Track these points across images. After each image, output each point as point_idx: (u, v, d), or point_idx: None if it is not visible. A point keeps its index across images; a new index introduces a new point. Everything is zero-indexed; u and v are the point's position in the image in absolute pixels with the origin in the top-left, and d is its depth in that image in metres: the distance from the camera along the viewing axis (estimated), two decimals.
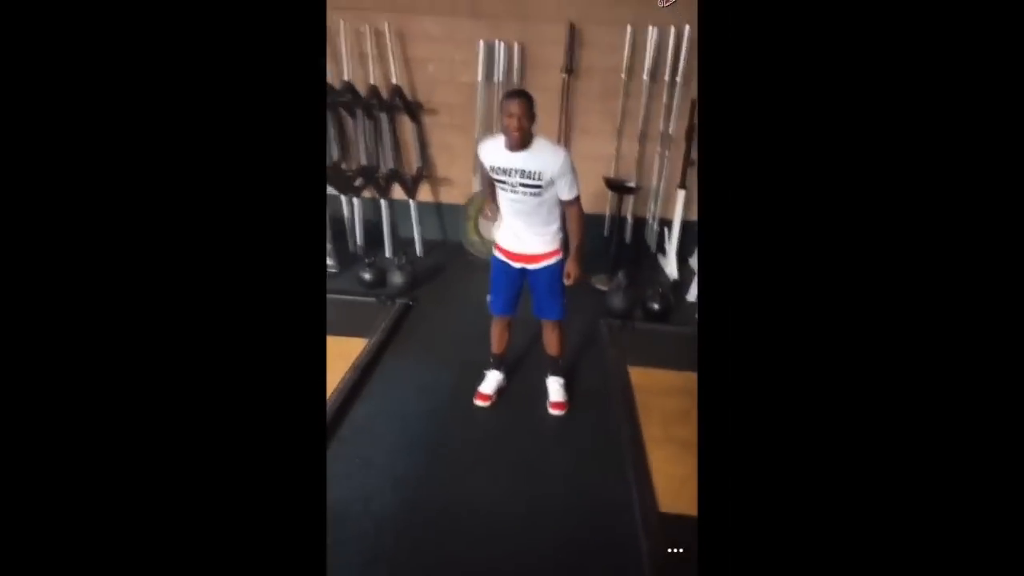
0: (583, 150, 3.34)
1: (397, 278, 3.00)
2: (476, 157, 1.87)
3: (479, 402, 2.11)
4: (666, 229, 3.37)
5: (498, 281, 2.00)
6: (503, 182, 1.76)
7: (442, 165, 3.61)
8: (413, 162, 3.56)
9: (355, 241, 3.55)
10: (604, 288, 3.07)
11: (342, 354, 2.31)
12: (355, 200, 3.44)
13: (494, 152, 1.74)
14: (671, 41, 3.14)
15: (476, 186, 3.44)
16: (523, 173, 1.70)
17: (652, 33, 3.12)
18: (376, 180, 3.41)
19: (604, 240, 3.49)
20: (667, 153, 3.38)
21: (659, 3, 2.78)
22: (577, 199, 1.80)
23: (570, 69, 3.25)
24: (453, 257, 3.31)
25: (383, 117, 3.39)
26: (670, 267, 3.30)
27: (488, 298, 2.08)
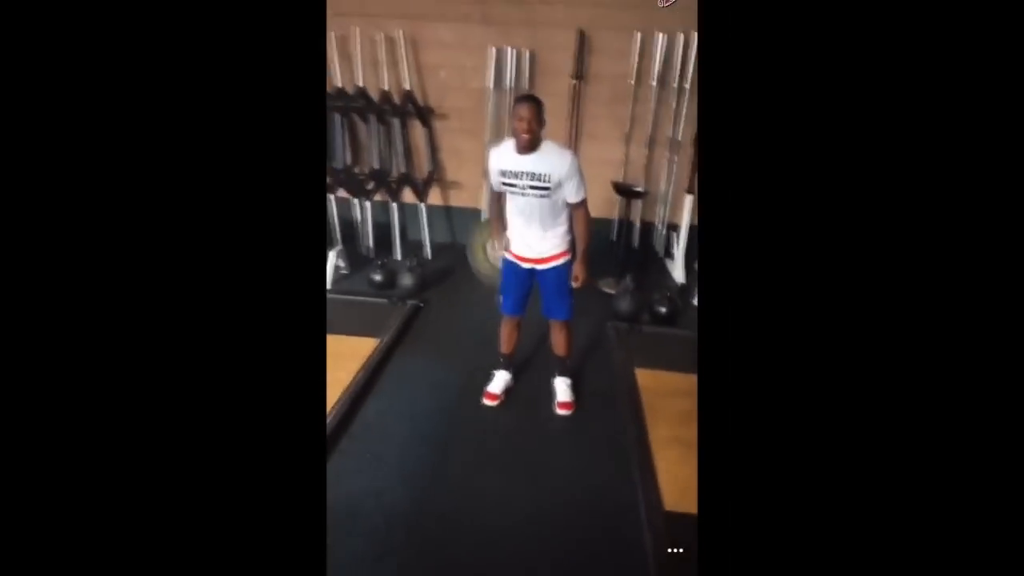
0: (592, 155, 3.36)
1: (407, 280, 3.05)
2: (486, 164, 1.90)
3: (487, 401, 2.14)
4: (674, 234, 3.39)
5: (508, 281, 2.04)
6: (513, 185, 1.80)
7: (452, 169, 3.66)
8: (424, 166, 3.61)
9: (366, 243, 3.60)
10: (612, 291, 3.10)
11: (354, 353, 2.35)
12: (366, 203, 3.50)
13: (504, 156, 1.78)
14: (679, 47, 3.16)
15: (485, 191, 3.47)
16: (532, 175, 1.75)
17: (661, 40, 3.15)
18: (387, 184, 3.47)
19: (612, 244, 3.51)
20: (675, 158, 3.41)
21: (659, 3, 2.78)
22: (584, 202, 1.84)
23: (579, 75, 3.29)
24: (462, 260, 3.35)
25: (395, 122, 3.45)
26: (677, 271, 3.32)
27: (498, 298, 2.12)
